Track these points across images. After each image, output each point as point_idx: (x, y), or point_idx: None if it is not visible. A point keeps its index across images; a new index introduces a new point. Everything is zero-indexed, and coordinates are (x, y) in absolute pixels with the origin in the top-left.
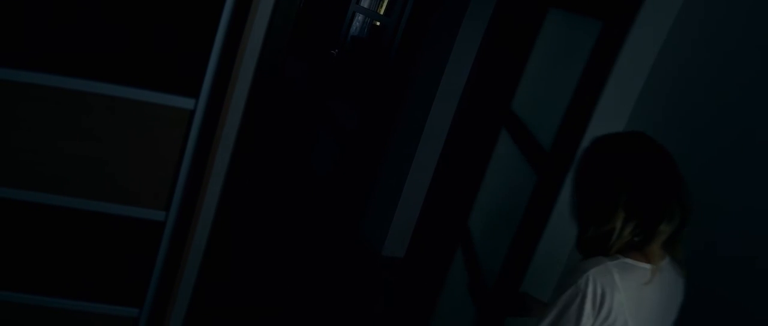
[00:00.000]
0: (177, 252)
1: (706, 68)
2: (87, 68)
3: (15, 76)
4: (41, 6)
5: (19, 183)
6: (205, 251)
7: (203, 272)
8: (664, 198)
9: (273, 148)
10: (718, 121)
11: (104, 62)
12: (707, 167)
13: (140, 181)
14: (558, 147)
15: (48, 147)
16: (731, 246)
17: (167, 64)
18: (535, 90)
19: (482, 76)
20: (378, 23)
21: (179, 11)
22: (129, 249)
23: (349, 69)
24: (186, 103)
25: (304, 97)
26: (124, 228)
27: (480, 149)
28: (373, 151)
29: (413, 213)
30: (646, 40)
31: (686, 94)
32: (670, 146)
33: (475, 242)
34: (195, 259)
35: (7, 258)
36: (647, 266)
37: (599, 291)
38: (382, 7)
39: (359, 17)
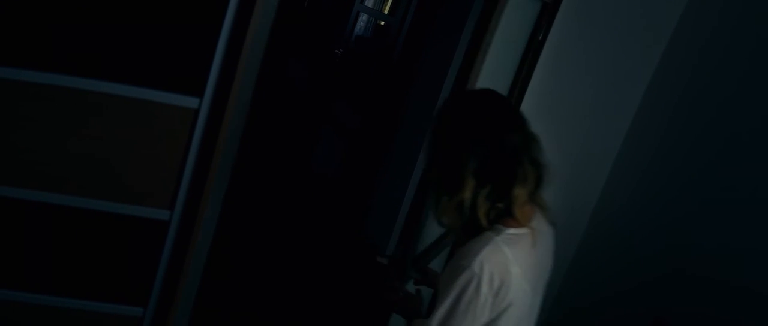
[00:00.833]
0: (181, 252)
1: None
2: (91, 67)
3: (18, 75)
4: (44, 4)
5: (24, 182)
6: (209, 250)
7: (208, 271)
8: (515, 162)
9: (276, 147)
10: None
11: (108, 61)
12: None
13: (144, 180)
14: None
15: (52, 146)
16: None
17: (171, 62)
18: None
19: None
20: (382, 23)
21: (183, 10)
22: (133, 249)
23: (353, 68)
24: (190, 102)
25: (308, 96)
26: (128, 227)
27: None
28: (377, 150)
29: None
30: None
31: None
32: None
33: None
34: (199, 258)
35: (13, 257)
36: (526, 231)
37: (496, 271)
38: (386, 6)
39: (363, 16)
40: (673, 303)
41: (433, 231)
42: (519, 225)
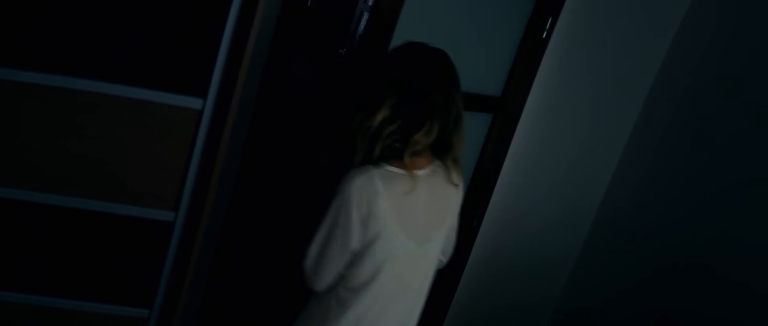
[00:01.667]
0: (186, 253)
1: None
2: (93, 68)
3: (19, 76)
4: (45, 4)
5: (27, 184)
6: (214, 251)
7: (213, 272)
8: (427, 113)
9: (279, 147)
10: None
11: (111, 62)
12: None
13: (148, 182)
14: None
15: (53, 147)
16: None
17: (174, 63)
18: None
19: None
20: None
21: (186, 10)
22: (138, 250)
23: (356, 67)
24: (194, 102)
25: (311, 96)
26: (132, 229)
27: None
28: None
29: None
30: None
31: None
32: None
33: None
34: (204, 260)
35: (17, 259)
36: (406, 174)
37: (365, 199)
38: None
39: (366, 16)
40: (679, 301)
41: None
42: (402, 168)
